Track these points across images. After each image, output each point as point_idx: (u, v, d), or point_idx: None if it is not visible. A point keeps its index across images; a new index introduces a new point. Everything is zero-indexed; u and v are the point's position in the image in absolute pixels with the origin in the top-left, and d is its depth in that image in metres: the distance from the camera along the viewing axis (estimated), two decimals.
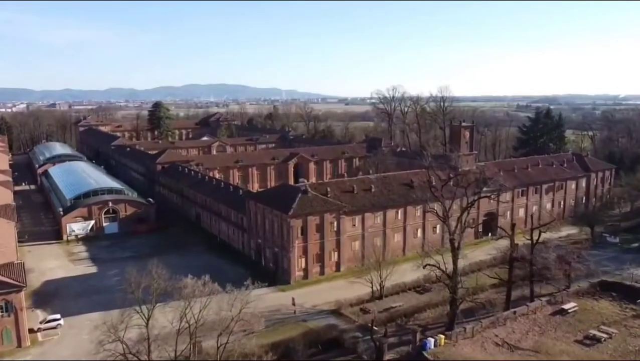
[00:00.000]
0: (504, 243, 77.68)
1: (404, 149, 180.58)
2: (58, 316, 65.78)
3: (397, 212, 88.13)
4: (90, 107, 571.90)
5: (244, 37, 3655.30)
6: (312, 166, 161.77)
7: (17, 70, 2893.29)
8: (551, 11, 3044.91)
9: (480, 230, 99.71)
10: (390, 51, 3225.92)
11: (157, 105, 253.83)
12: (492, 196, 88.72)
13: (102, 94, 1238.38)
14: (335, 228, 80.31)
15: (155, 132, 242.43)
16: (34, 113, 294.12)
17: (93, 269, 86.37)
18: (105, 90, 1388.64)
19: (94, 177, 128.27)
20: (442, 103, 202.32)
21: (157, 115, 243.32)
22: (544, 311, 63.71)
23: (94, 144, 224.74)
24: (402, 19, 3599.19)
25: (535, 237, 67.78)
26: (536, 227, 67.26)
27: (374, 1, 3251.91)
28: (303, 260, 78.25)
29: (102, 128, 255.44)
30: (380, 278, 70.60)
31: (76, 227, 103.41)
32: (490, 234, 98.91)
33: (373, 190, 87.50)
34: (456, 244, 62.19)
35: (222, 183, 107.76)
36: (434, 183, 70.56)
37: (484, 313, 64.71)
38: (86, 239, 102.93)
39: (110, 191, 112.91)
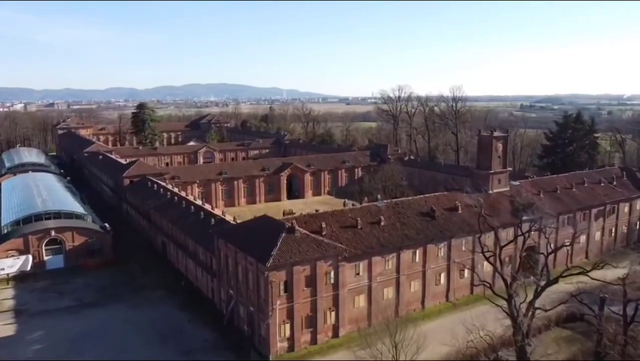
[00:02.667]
0: (550, 288, 57.35)
1: (412, 157, 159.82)
2: None
3: (414, 253, 66.72)
4: (89, 106, 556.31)
5: (244, 37, 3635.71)
6: (307, 178, 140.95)
7: (17, 70, 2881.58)
8: (553, 10, 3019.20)
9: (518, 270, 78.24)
10: (390, 51, 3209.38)
11: (141, 107, 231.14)
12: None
13: (102, 94, 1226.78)
14: (332, 280, 59.02)
15: (141, 136, 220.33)
16: (10, 115, 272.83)
17: (10, 330, 64.60)
18: (105, 89, 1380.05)
19: (46, 194, 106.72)
20: (454, 105, 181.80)
21: (141, 118, 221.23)
22: None
23: (71, 150, 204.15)
24: (401, 18, 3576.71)
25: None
26: (633, 299, 45.65)
27: (374, 1, 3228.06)
28: (287, 325, 56.94)
29: (84, 132, 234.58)
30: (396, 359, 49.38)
31: (7, 263, 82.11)
32: (532, 277, 77.49)
33: (383, 223, 66.16)
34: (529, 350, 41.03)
35: (193, 206, 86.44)
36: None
37: None
38: (21, 278, 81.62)
39: (57, 215, 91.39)
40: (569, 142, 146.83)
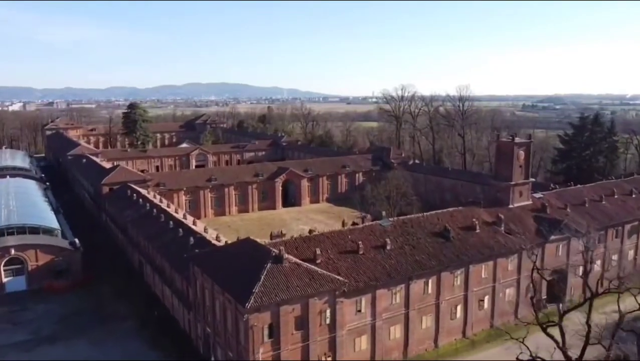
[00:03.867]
0: (580, 318, 47.64)
1: (417, 161, 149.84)
2: None
3: (426, 283, 56.42)
4: (89, 105, 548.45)
5: (245, 36, 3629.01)
6: (305, 184, 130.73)
7: (18, 69, 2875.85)
8: (553, 10, 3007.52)
9: (544, 296, 68.08)
10: (391, 50, 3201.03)
11: (132, 107, 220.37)
12: None
13: (103, 93, 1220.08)
14: (327, 320, 48.74)
15: (132, 137, 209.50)
16: None
17: None
18: (106, 88, 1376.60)
19: (14, 204, 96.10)
20: (460, 105, 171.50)
21: (132, 118, 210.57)
22: None
23: (58, 152, 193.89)
24: (401, 18, 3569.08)
25: None
26: None
27: (375, 0, 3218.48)
28: None
29: (73, 133, 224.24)
30: None
31: None
32: (560, 305, 67.17)
33: (389, 247, 55.92)
34: None
35: (172, 220, 76.21)
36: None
37: None
38: None
39: (21, 229, 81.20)
40: (585, 146, 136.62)
